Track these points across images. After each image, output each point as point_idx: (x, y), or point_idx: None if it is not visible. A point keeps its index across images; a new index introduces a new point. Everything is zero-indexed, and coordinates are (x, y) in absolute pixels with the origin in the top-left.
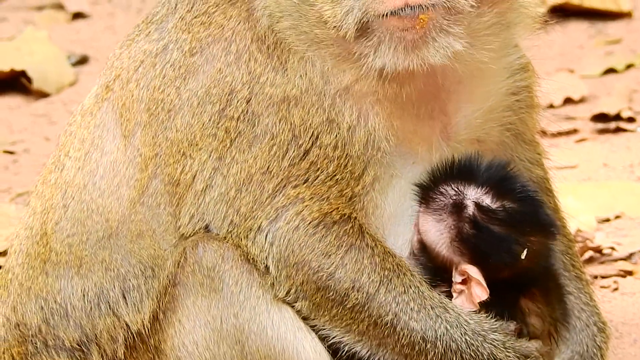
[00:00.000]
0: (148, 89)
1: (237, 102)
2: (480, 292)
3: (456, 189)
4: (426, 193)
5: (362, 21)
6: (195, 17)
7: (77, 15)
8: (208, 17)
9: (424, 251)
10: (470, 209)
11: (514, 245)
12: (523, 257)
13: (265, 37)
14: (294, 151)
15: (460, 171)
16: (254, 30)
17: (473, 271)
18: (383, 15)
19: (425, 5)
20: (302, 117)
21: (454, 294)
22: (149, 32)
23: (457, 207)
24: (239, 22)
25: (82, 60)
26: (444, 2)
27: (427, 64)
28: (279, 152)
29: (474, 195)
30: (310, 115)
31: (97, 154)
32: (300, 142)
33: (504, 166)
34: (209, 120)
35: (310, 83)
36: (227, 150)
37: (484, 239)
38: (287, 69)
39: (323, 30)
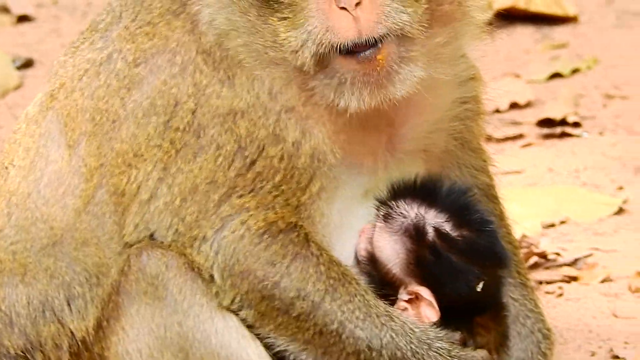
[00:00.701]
0: (92, 98)
1: (183, 113)
2: (431, 314)
3: (417, 212)
4: (386, 210)
5: (319, 53)
6: (139, 27)
7: (22, 18)
8: (152, 27)
9: (372, 263)
10: (431, 235)
11: (471, 277)
12: (479, 289)
13: (211, 50)
14: (239, 162)
15: (421, 193)
16: (199, 42)
17: (426, 293)
18: (340, 51)
19: (378, 38)
20: (248, 129)
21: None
22: (93, 40)
23: (417, 231)
24: (184, 34)
25: (27, 64)
26: (395, 30)
27: (385, 101)
28: (224, 162)
29: (434, 221)
30: (256, 127)
31: (42, 162)
32: (246, 153)
33: (464, 192)
34: (154, 131)
35: (257, 98)
36: (172, 160)
37: (442, 267)
38: (234, 83)
39: (278, 53)
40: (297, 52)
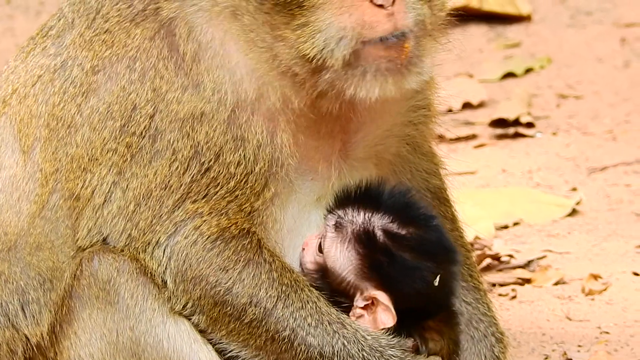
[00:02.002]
0: (47, 104)
1: (140, 117)
2: (387, 319)
3: (363, 217)
4: (334, 218)
5: (354, 49)
6: (95, 35)
7: None
8: (110, 35)
9: (322, 274)
10: (380, 237)
11: (426, 272)
12: (436, 283)
13: (175, 56)
14: (195, 167)
15: (365, 198)
16: (159, 48)
17: (383, 297)
18: (370, 43)
19: (406, 32)
20: (207, 133)
21: (352, 318)
22: (46, 46)
23: (367, 235)
24: (144, 40)
25: None
26: (418, 26)
27: (401, 91)
28: (180, 167)
29: (381, 223)
30: (216, 132)
31: None
32: (202, 159)
33: (405, 193)
34: (110, 135)
35: (223, 101)
36: (127, 165)
37: (396, 267)
38: (199, 87)
39: (289, 61)
40: (329, 52)
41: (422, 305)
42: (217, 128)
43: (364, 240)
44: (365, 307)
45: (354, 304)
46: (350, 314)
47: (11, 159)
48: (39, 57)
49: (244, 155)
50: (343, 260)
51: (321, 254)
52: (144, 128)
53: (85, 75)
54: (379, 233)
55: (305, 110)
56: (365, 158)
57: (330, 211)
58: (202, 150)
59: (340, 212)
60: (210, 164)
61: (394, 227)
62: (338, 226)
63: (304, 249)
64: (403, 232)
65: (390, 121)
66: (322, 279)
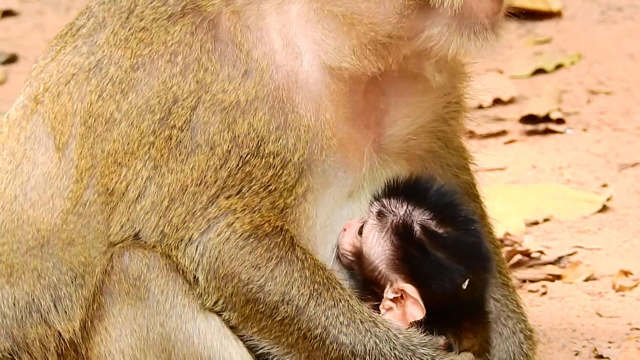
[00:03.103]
0: (83, 102)
1: (182, 110)
2: (417, 312)
3: (405, 209)
4: (378, 207)
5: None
6: (131, 34)
7: (7, 13)
8: (147, 33)
9: (357, 259)
10: (418, 231)
11: (456, 274)
12: (464, 287)
13: (217, 47)
14: (232, 161)
15: (411, 192)
16: (202, 42)
17: (411, 290)
18: None
19: None
20: (250, 124)
21: (382, 310)
22: (77, 45)
23: (405, 228)
24: (186, 35)
25: (12, 59)
26: None
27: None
28: (217, 162)
29: (421, 218)
30: (260, 122)
31: (29, 166)
32: (240, 152)
33: (452, 193)
34: (148, 128)
35: (271, 88)
36: (164, 159)
37: (428, 264)
38: (246, 76)
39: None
40: None
41: (448, 305)
42: (261, 117)
43: (400, 232)
44: (394, 300)
45: (384, 295)
46: (380, 306)
47: (45, 156)
48: (70, 55)
49: (285, 143)
50: (378, 248)
51: (360, 238)
52: (185, 121)
53: (125, 73)
54: (416, 227)
55: (355, 96)
56: (398, 153)
57: (376, 198)
58: (241, 143)
59: (385, 201)
60: (248, 157)
61: (432, 224)
62: (380, 214)
63: (345, 229)
64: (440, 230)
65: (424, 117)
66: (357, 264)
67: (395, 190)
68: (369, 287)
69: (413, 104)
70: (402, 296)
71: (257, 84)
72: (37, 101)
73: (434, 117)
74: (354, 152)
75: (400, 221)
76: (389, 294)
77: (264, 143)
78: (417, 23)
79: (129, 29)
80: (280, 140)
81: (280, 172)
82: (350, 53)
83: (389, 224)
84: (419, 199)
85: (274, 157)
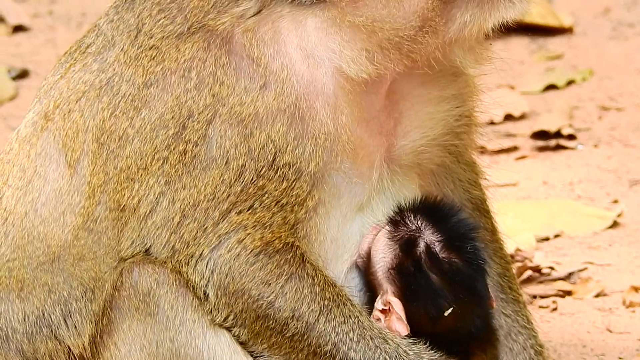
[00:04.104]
0: (95, 119)
1: (197, 124)
2: (400, 328)
3: (418, 225)
4: (397, 216)
5: None
6: (141, 52)
7: (18, 29)
8: (157, 50)
9: (367, 261)
10: (420, 249)
11: (442, 301)
12: (446, 314)
13: (231, 60)
14: (246, 175)
15: (432, 211)
16: (216, 57)
17: (397, 306)
18: None
19: None
20: (268, 135)
21: (372, 319)
22: (87, 62)
23: (410, 241)
24: (198, 51)
25: (23, 74)
26: None
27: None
28: (232, 176)
29: (429, 237)
30: (278, 133)
31: (40, 182)
32: (255, 166)
33: (471, 226)
34: (162, 144)
35: (290, 98)
36: (177, 174)
37: (418, 282)
38: (264, 88)
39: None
40: None
41: (432, 329)
42: (280, 128)
43: (405, 245)
44: (383, 312)
45: (375, 305)
46: (371, 315)
47: (56, 173)
48: (80, 73)
49: (302, 152)
50: (381, 254)
51: (372, 242)
52: (200, 135)
53: (137, 90)
54: (421, 244)
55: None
56: (409, 166)
57: (399, 208)
58: (257, 156)
59: (405, 213)
60: (263, 170)
61: (438, 246)
62: (394, 222)
63: (370, 231)
64: (443, 255)
65: (436, 129)
66: (364, 266)
67: (419, 205)
68: (369, 292)
69: (426, 114)
70: (389, 309)
71: (278, 95)
72: (47, 118)
73: (446, 129)
74: (364, 159)
75: (409, 234)
76: (378, 304)
77: (281, 154)
78: (444, 16)
79: (139, 47)
80: (297, 150)
81: (293, 184)
82: (369, 61)
83: (398, 234)
84: (438, 220)
85: (289, 168)
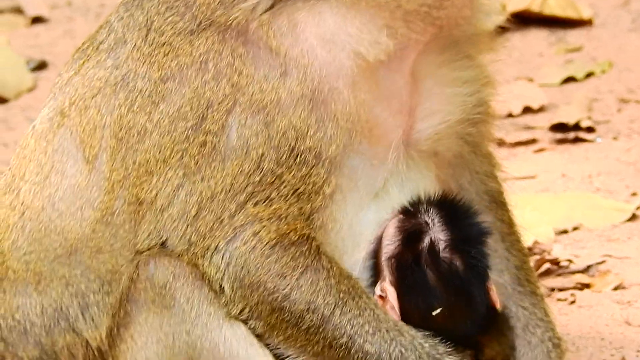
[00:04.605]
0: (112, 115)
1: (217, 114)
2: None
3: (428, 220)
4: (413, 206)
5: None
6: (154, 49)
7: (36, 20)
8: (171, 47)
9: (375, 248)
10: (424, 244)
11: (433, 299)
12: (434, 314)
13: (249, 50)
14: (265, 164)
15: (448, 209)
16: (233, 48)
17: (392, 295)
18: None
19: None
20: (290, 121)
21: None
22: (100, 59)
23: (415, 234)
24: (213, 43)
25: (41, 66)
26: None
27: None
28: (251, 166)
29: (435, 235)
30: (300, 118)
31: (57, 177)
32: (274, 154)
33: (485, 232)
34: (181, 135)
35: (311, 82)
36: (196, 166)
37: (415, 276)
38: (284, 75)
39: None
40: None
41: (420, 325)
42: (301, 113)
43: (410, 237)
44: (380, 298)
45: (374, 290)
46: None
47: (74, 169)
48: (95, 69)
49: (323, 135)
50: (387, 241)
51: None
52: (220, 126)
53: (154, 85)
54: (426, 239)
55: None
56: (427, 153)
57: (416, 199)
58: (277, 144)
59: (420, 205)
60: (283, 157)
61: (442, 244)
62: (407, 213)
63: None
64: (445, 254)
65: (454, 115)
66: (374, 249)
67: (435, 200)
68: (374, 277)
69: (446, 97)
70: (385, 297)
71: (300, 81)
72: (63, 114)
73: (463, 115)
74: (382, 139)
75: (417, 227)
76: (377, 289)
77: (302, 139)
78: None
79: (150, 45)
80: (318, 133)
81: (311, 171)
82: (391, 37)
83: (408, 225)
84: (450, 219)
85: (309, 153)
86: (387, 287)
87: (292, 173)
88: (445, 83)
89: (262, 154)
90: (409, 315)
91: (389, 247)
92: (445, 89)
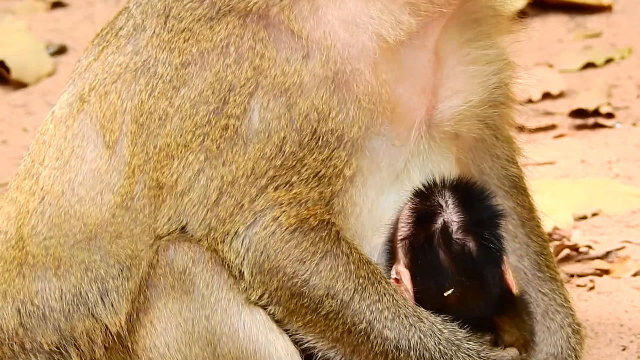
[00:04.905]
0: (133, 100)
1: (239, 97)
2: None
3: (443, 203)
4: (424, 187)
5: None
6: (174, 35)
7: (56, 5)
8: (191, 32)
9: (392, 230)
10: (437, 223)
11: (445, 280)
12: (445, 294)
13: (270, 34)
14: (287, 147)
15: (463, 192)
16: (254, 31)
17: (406, 277)
18: None
19: None
20: (312, 102)
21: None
22: (120, 45)
23: (429, 216)
24: (234, 28)
25: (61, 50)
26: None
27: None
28: (273, 150)
29: (449, 217)
30: (323, 99)
31: (77, 162)
32: (296, 137)
33: (500, 214)
34: (203, 119)
35: (340, 61)
36: (218, 150)
37: (427, 257)
38: (307, 56)
39: None
40: None
41: (432, 306)
42: (323, 94)
43: (423, 218)
44: (395, 280)
45: (390, 273)
46: None
47: (94, 153)
48: (114, 55)
49: (345, 116)
50: (402, 223)
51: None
52: (242, 109)
53: (175, 70)
54: (439, 220)
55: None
56: (448, 135)
57: (430, 181)
58: (299, 127)
59: (434, 187)
60: (305, 140)
61: (454, 226)
62: (421, 195)
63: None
64: (457, 236)
65: (477, 97)
66: (390, 231)
67: (450, 182)
68: (389, 260)
69: (468, 76)
70: (398, 280)
71: (323, 63)
72: (83, 100)
73: (484, 96)
74: (404, 119)
75: (430, 209)
76: (392, 272)
77: (324, 121)
78: None
79: (170, 31)
80: (340, 115)
81: (332, 153)
82: (413, 14)
83: (422, 206)
84: (465, 202)
85: (331, 135)
86: (401, 270)
87: (314, 156)
88: (468, 61)
89: (284, 137)
90: (422, 297)
91: (403, 229)
92: (468, 67)
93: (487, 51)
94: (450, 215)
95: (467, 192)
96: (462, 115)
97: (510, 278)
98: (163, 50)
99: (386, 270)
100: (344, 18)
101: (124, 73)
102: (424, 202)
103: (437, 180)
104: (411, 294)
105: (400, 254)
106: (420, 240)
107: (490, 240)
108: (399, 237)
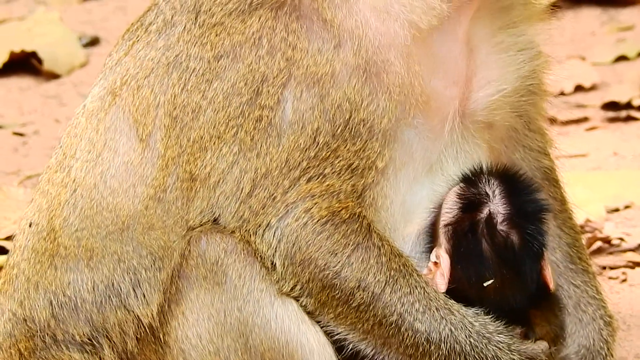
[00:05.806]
0: (166, 94)
1: (272, 88)
2: (440, 283)
3: (490, 192)
4: (472, 175)
5: None
6: (206, 30)
7: None
8: (222, 26)
9: (435, 214)
10: (483, 214)
11: (485, 270)
12: (485, 285)
13: (302, 24)
14: (321, 137)
15: (512, 182)
16: (286, 23)
17: (445, 262)
18: None
19: None
20: (345, 92)
21: (424, 270)
22: (150, 40)
23: (475, 204)
24: (267, 20)
25: (93, 42)
26: None
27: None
28: (306, 141)
29: (496, 207)
30: (355, 89)
31: (110, 155)
32: (330, 127)
33: (544, 208)
34: (236, 110)
35: (371, 50)
36: (253, 142)
37: (470, 246)
38: (338, 46)
39: None
40: None
41: (468, 295)
42: (355, 84)
43: (469, 206)
44: (435, 264)
45: (430, 256)
46: (426, 267)
47: (126, 146)
48: (145, 50)
49: (376, 107)
50: (446, 209)
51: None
52: (276, 100)
53: (207, 64)
54: (484, 211)
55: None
56: (482, 125)
57: (478, 168)
58: (332, 117)
59: (482, 175)
60: (339, 131)
61: (500, 217)
62: (469, 182)
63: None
64: (503, 227)
65: (510, 86)
66: (434, 215)
67: (498, 171)
68: (430, 244)
69: (501, 65)
70: (437, 264)
71: (355, 52)
72: (114, 94)
73: (517, 84)
74: (437, 112)
75: (477, 198)
76: (432, 256)
77: (356, 111)
78: None
79: (201, 26)
80: (371, 106)
81: (365, 144)
82: (445, 0)
83: (468, 194)
84: (511, 193)
85: (362, 126)
86: (441, 254)
87: (347, 147)
88: (501, 49)
89: (318, 128)
90: (458, 284)
91: (447, 214)
92: (500, 55)
93: (519, 38)
94: (497, 205)
95: (514, 184)
96: (495, 105)
97: (549, 274)
98: (194, 45)
99: (425, 252)
100: (376, 6)
101: (156, 68)
102: (471, 189)
103: (485, 168)
104: (447, 279)
105: (442, 238)
106: (465, 227)
107: (534, 235)
108: (443, 222)
